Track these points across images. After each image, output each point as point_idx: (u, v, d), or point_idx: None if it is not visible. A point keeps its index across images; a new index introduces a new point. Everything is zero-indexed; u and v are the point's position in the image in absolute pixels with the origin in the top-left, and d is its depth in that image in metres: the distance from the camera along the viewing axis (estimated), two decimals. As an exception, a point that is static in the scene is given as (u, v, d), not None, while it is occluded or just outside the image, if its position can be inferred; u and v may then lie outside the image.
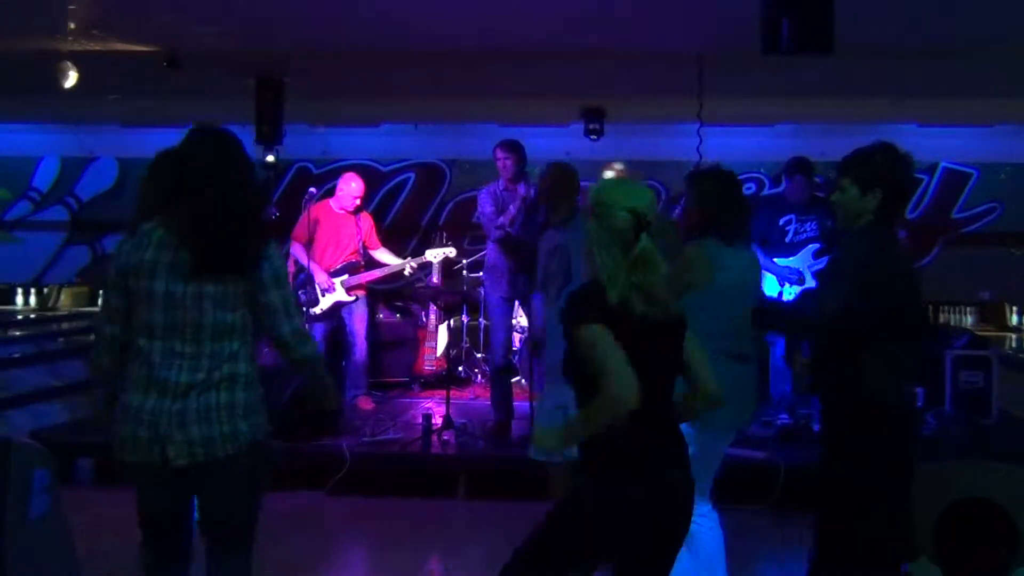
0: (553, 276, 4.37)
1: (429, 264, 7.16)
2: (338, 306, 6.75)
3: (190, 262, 2.67)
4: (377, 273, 6.88)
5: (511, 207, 5.77)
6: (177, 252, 2.68)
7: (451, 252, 7.14)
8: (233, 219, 2.71)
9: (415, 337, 7.86)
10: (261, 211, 2.80)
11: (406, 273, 7.02)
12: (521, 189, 5.82)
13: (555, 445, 2.63)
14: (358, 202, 6.79)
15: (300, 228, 6.72)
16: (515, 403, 6.09)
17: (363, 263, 6.85)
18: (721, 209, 3.35)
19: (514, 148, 6.01)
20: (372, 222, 6.97)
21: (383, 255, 6.91)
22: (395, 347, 7.85)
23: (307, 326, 6.90)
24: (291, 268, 7.18)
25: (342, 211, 6.77)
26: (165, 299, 2.69)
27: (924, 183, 9.86)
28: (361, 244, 6.81)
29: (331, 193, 6.94)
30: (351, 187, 6.77)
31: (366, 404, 6.86)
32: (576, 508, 2.58)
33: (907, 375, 2.98)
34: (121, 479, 2.82)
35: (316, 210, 6.83)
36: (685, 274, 3.21)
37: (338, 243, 6.75)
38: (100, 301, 2.78)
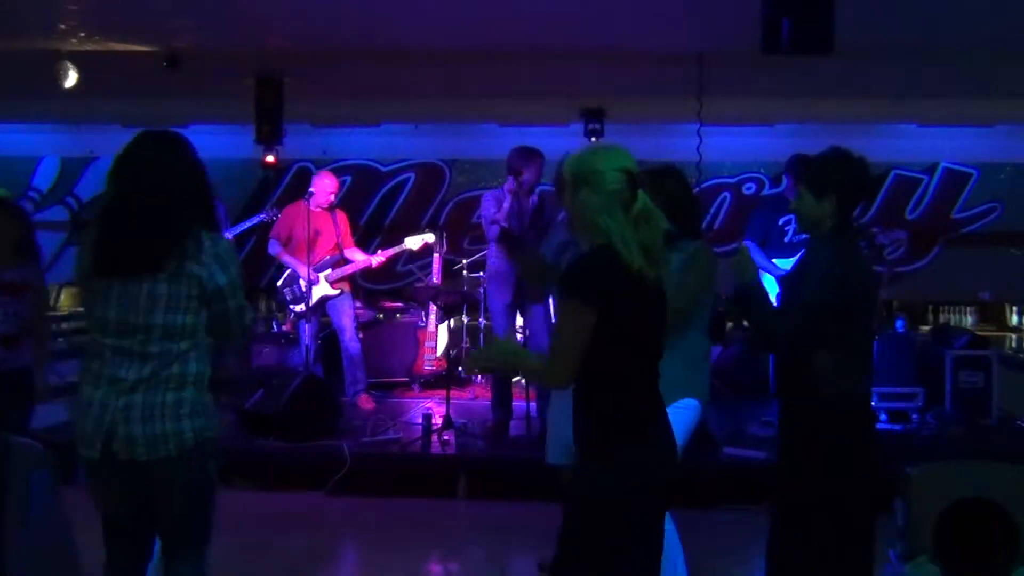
0: None
1: (407, 251, 7.18)
2: (324, 300, 6.82)
3: (91, 262, 2.72)
4: (360, 264, 6.93)
5: (504, 202, 5.76)
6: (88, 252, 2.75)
7: (429, 238, 7.18)
8: (135, 220, 2.72)
9: (415, 337, 7.87)
10: (175, 209, 2.73)
11: (375, 263, 7.01)
12: (510, 183, 5.80)
13: (482, 364, 2.73)
14: (332, 198, 6.89)
15: (276, 229, 6.90)
16: (515, 403, 6.09)
17: (343, 259, 6.92)
18: (691, 205, 3.45)
19: (530, 154, 6.00)
20: (347, 221, 7.05)
21: (355, 254, 6.98)
22: (395, 347, 7.85)
23: (296, 325, 7.00)
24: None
25: (318, 208, 6.82)
26: (118, 298, 2.72)
27: (924, 183, 9.85)
28: (339, 240, 6.88)
29: (344, 194, 7.00)
30: (325, 183, 6.88)
31: (366, 404, 6.87)
32: (601, 495, 2.50)
33: (862, 373, 3.03)
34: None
35: (292, 209, 6.92)
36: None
37: (318, 240, 6.81)
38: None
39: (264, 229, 7.48)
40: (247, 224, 7.26)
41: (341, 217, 6.99)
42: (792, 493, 3.05)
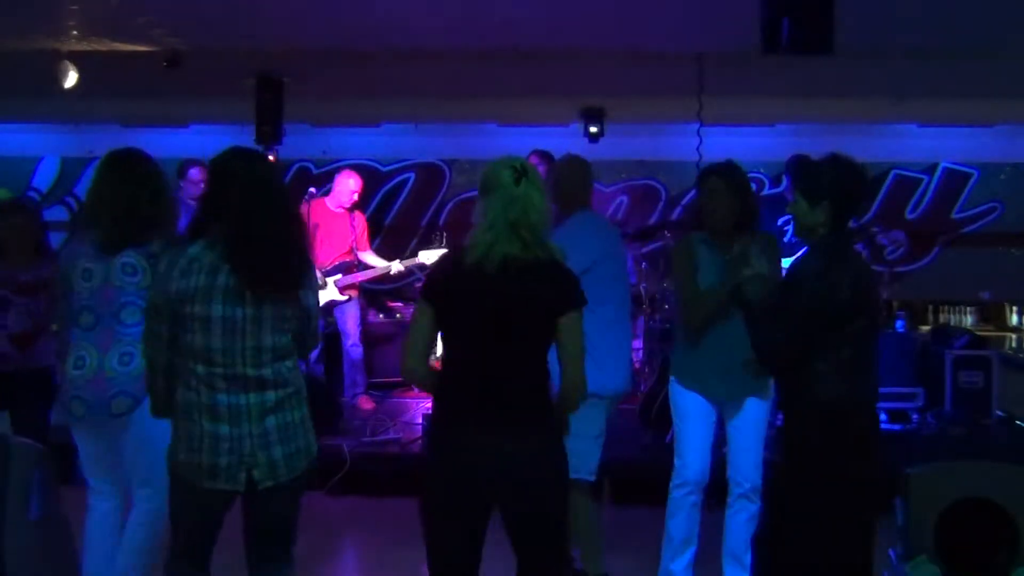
0: None
1: (423, 265, 7.14)
2: (331, 305, 6.77)
3: (242, 285, 2.69)
4: (370, 273, 6.89)
5: None
6: (230, 276, 2.69)
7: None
8: (279, 241, 2.74)
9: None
10: (303, 229, 2.89)
11: (394, 272, 6.97)
12: None
13: None
14: (355, 198, 6.81)
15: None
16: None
17: (356, 263, 6.87)
18: (756, 201, 3.59)
19: (546, 157, 6.08)
20: (365, 223, 6.99)
21: (371, 258, 6.93)
22: (395, 347, 7.85)
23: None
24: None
25: (339, 209, 6.77)
26: (223, 324, 2.68)
27: (924, 183, 9.84)
28: (353, 243, 6.83)
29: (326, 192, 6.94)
30: (349, 184, 6.79)
31: (366, 404, 6.87)
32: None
33: (862, 378, 3.01)
34: (180, 507, 2.85)
35: (310, 208, 6.85)
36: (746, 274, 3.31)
37: (332, 242, 6.76)
38: (146, 329, 2.81)
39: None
40: None
41: (359, 219, 6.93)
42: (789, 496, 3.04)
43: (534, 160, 6.12)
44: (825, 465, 2.93)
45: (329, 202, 6.83)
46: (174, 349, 2.75)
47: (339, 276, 6.73)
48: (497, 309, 2.66)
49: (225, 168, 2.78)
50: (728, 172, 3.68)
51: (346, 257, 6.81)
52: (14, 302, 4.22)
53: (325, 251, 6.74)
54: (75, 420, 3.30)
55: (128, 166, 3.28)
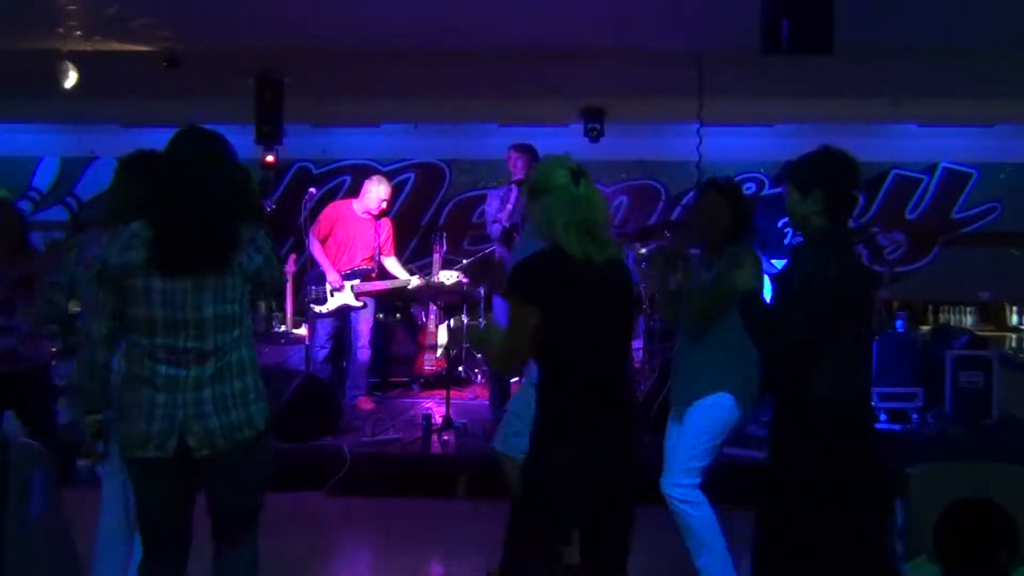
0: None
1: (441, 284, 7.06)
2: (346, 308, 6.75)
3: (162, 262, 2.72)
4: (388, 284, 6.86)
5: (508, 202, 5.80)
6: (150, 250, 2.73)
7: (464, 279, 7.02)
8: (204, 220, 2.75)
9: (415, 337, 7.85)
10: (235, 209, 2.83)
11: (412, 287, 6.94)
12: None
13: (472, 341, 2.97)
14: (384, 206, 6.78)
15: (317, 226, 6.75)
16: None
17: (376, 271, 6.84)
18: (752, 216, 3.57)
19: (526, 149, 6.11)
20: (391, 229, 6.95)
21: (393, 265, 6.91)
22: (395, 347, 7.85)
23: (308, 323, 6.95)
24: (291, 268, 7.20)
25: (366, 214, 6.75)
26: (163, 296, 2.71)
27: (924, 183, 9.85)
28: (377, 249, 6.80)
29: (332, 192, 6.93)
30: (379, 190, 6.75)
31: (366, 404, 6.87)
32: (527, 483, 2.71)
33: (855, 376, 3.01)
34: (135, 492, 2.85)
35: (336, 209, 6.83)
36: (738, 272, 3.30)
37: (355, 246, 6.74)
38: (82, 301, 2.84)
39: (273, 228, 7.35)
40: None
41: (386, 224, 6.90)
42: (781, 494, 3.03)
43: (513, 155, 6.14)
44: (820, 464, 2.93)
45: (356, 205, 6.80)
46: (119, 322, 2.80)
47: (357, 282, 6.71)
48: (609, 309, 2.71)
49: (167, 147, 2.88)
50: (728, 188, 3.75)
51: (367, 263, 6.78)
52: (17, 301, 4.22)
53: (346, 254, 6.73)
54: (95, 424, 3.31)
55: (150, 166, 3.32)
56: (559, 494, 2.65)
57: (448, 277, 6.94)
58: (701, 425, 3.63)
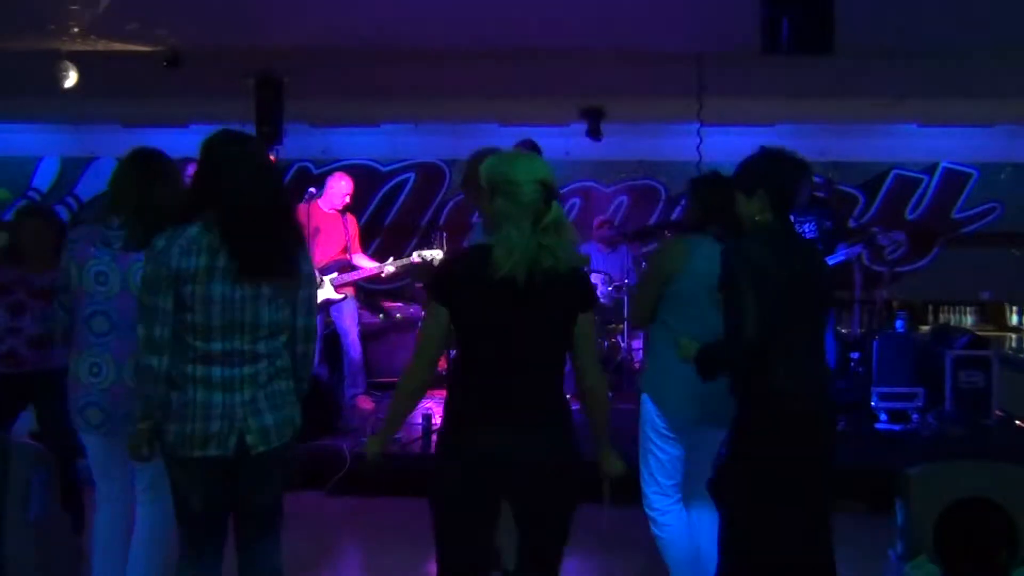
0: None
1: (416, 264, 7.07)
2: (327, 303, 6.78)
3: (238, 267, 2.73)
4: (365, 272, 6.89)
5: None
6: (229, 258, 2.74)
7: (438, 254, 7.02)
8: (272, 223, 2.79)
9: (415, 337, 7.84)
10: (293, 212, 2.89)
11: (386, 274, 6.93)
12: None
13: None
14: (347, 200, 6.85)
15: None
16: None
17: (350, 263, 6.88)
18: (718, 209, 3.42)
19: (530, 147, 6.11)
20: (356, 225, 7.01)
21: (363, 261, 6.94)
22: (395, 347, 7.85)
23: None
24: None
25: (331, 210, 6.80)
26: (223, 302, 2.74)
27: (924, 183, 9.85)
28: (347, 244, 6.85)
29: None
30: (341, 185, 6.84)
31: (366, 404, 6.87)
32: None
33: (807, 371, 3.00)
34: (179, 491, 2.88)
35: (303, 209, 6.86)
36: (656, 259, 3.44)
37: (327, 242, 6.78)
38: (140, 305, 2.80)
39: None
40: None
41: (351, 221, 6.95)
42: (740, 491, 3.04)
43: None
44: (770, 456, 2.94)
45: (322, 204, 6.86)
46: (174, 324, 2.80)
47: (335, 275, 6.75)
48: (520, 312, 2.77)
49: (217, 150, 2.80)
50: (696, 181, 3.68)
51: (341, 256, 6.84)
52: (29, 305, 4.24)
53: (320, 252, 6.76)
54: (91, 428, 3.28)
55: (150, 164, 3.31)
56: (443, 486, 2.78)
57: (424, 256, 6.84)
58: (640, 428, 3.58)
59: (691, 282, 3.38)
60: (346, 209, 6.90)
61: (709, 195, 3.50)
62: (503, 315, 2.65)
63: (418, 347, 2.78)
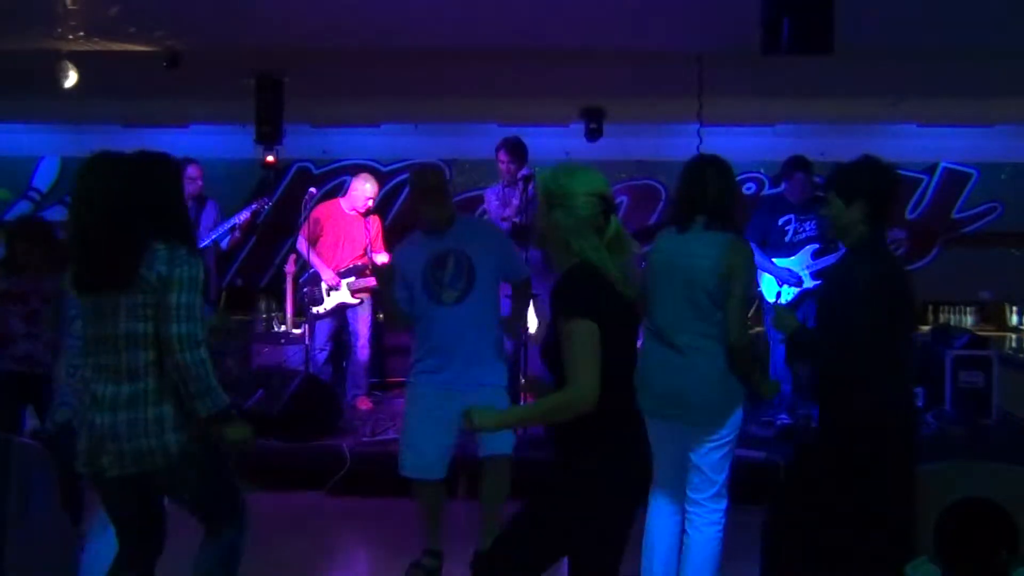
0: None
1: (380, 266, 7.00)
2: (343, 307, 6.75)
3: (71, 279, 2.81)
4: None
5: (513, 199, 5.85)
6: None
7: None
8: (103, 238, 2.77)
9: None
10: (137, 226, 2.80)
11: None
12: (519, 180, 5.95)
13: (488, 425, 2.67)
14: (371, 203, 6.77)
15: (308, 228, 6.73)
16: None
17: (370, 267, 6.84)
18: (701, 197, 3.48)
19: (515, 151, 6.14)
20: (380, 226, 6.95)
21: (383, 260, 6.89)
22: (395, 347, 7.84)
23: (307, 325, 6.93)
24: (291, 268, 7.18)
25: (353, 212, 6.74)
26: (91, 311, 2.80)
27: (924, 183, 9.85)
28: (367, 246, 6.80)
29: (332, 192, 6.92)
30: (365, 188, 6.73)
31: (366, 404, 6.87)
32: (563, 501, 2.60)
33: (908, 378, 3.02)
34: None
35: (326, 208, 6.82)
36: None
37: (347, 244, 6.73)
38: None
39: (264, 228, 7.37)
40: (234, 220, 6.90)
41: (374, 222, 6.89)
42: (818, 499, 3.02)
43: (502, 156, 6.32)
44: (867, 469, 2.93)
45: (344, 203, 6.80)
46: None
47: (352, 279, 6.71)
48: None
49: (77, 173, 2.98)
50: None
51: (360, 260, 6.78)
52: (44, 311, 4.39)
53: (339, 253, 6.72)
54: (58, 426, 3.40)
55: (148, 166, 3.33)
56: (621, 500, 2.67)
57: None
58: None
59: (651, 274, 3.55)
60: (369, 212, 6.83)
61: (692, 183, 3.51)
62: (629, 333, 2.67)
63: (588, 366, 2.49)
